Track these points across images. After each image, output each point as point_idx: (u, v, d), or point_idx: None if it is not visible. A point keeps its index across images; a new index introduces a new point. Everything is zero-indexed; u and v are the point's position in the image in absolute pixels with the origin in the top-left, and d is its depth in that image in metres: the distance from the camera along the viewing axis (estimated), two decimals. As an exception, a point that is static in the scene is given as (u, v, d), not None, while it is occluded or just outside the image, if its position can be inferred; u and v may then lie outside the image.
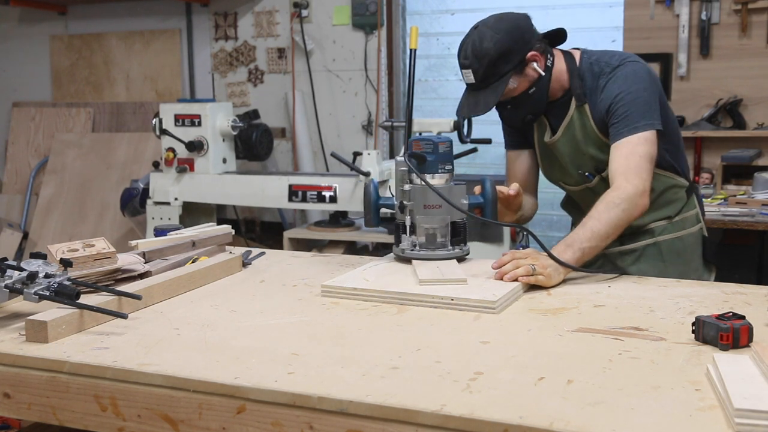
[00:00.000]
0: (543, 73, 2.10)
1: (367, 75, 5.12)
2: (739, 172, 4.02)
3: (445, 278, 1.77)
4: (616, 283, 1.90)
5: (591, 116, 2.12)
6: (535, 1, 4.72)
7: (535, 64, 2.08)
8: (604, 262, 2.19)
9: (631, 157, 2.01)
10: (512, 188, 2.07)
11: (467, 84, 2.10)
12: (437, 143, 1.97)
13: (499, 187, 2.05)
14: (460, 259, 1.99)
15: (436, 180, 1.96)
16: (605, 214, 1.94)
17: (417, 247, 1.99)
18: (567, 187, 2.31)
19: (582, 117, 2.14)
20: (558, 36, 2.17)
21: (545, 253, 1.87)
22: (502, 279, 1.79)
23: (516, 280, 1.78)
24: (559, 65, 2.15)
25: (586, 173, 2.19)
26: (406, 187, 1.97)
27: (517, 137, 2.35)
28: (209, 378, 1.28)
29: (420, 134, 2.05)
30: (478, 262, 2.00)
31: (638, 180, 1.98)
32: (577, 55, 2.17)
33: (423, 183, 1.93)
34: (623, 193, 1.96)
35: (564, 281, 1.88)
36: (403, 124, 4.07)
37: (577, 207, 2.36)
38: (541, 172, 2.36)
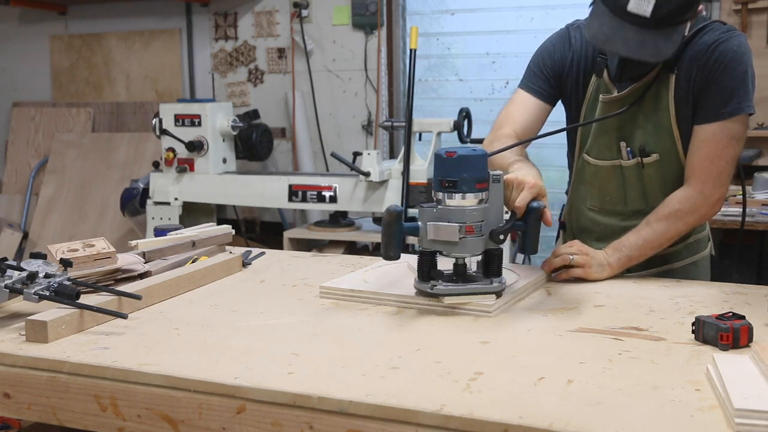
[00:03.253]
0: (685, 33, 1.82)
1: (367, 75, 5.12)
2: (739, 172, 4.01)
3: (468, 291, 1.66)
4: (616, 283, 1.90)
5: (673, 88, 1.86)
6: (536, 1, 4.72)
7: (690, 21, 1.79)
8: None
9: (720, 159, 1.84)
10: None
11: (628, 12, 1.69)
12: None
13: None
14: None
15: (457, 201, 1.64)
16: (663, 225, 1.86)
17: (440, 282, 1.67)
18: (594, 161, 2.01)
19: (660, 86, 1.88)
20: None
21: (599, 250, 1.89)
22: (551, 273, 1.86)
23: (554, 271, 1.87)
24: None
25: (628, 148, 1.94)
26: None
27: (547, 86, 2.03)
28: (209, 378, 1.28)
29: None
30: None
31: (716, 189, 1.86)
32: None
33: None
34: (691, 205, 1.85)
35: (564, 281, 1.89)
36: (403, 124, 4.07)
37: (584, 195, 2.09)
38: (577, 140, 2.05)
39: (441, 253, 1.68)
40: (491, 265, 1.68)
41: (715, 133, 1.84)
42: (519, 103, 2.05)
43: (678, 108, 1.88)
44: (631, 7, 1.68)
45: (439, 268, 1.68)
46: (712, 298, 1.74)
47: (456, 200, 1.63)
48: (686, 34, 1.84)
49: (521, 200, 1.65)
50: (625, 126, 1.94)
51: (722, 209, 3.42)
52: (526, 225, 1.67)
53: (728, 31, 1.86)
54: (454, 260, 1.70)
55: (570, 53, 2.00)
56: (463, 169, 1.61)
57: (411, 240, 1.82)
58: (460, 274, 1.70)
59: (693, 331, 1.44)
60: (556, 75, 2.02)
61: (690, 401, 1.16)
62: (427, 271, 1.67)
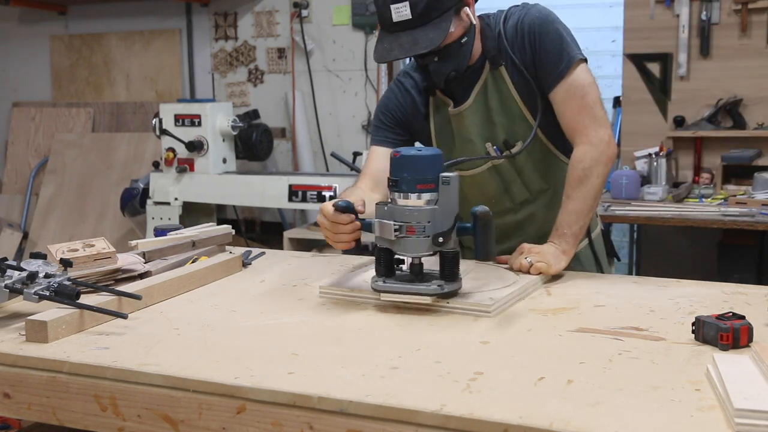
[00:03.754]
0: (474, 22, 1.92)
1: (367, 75, 5.12)
2: (739, 172, 4.02)
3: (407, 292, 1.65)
4: (616, 283, 1.90)
5: (509, 78, 1.96)
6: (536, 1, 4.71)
7: (468, 9, 1.89)
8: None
9: (584, 106, 1.91)
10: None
11: (396, 23, 1.82)
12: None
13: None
14: (449, 295, 1.66)
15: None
16: (581, 191, 1.91)
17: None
18: (465, 173, 2.04)
19: (497, 81, 1.98)
20: None
21: (546, 244, 1.92)
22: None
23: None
24: (479, 23, 1.97)
25: (494, 147, 2.02)
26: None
27: (394, 135, 2.10)
28: (209, 378, 1.28)
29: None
30: (480, 265, 1.99)
31: (600, 130, 1.92)
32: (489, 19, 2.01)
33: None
34: (588, 158, 1.91)
35: (564, 281, 1.89)
36: (403, 124, 4.07)
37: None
38: None
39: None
40: (444, 268, 1.67)
41: (567, 90, 1.92)
42: (372, 157, 2.13)
43: (521, 93, 1.97)
44: (395, 18, 1.82)
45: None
46: (712, 298, 1.74)
47: (406, 200, 1.64)
48: (499, 27, 1.96)
49: None
50: (484, 129, 2.02)
51: (722, 209, 3.48)
52: (474, 230, 1.63)
53: (523, 7, 1.99)
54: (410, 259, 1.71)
55: (399, 96, 2.11)
56: (404, 169, 1.63)
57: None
58: (415, 273, 1.70)
59: (693, 331, 1.44)
60: (400, 121, 2.10)
61: (690, 401, 1.16)
62: (379, 266, 1.70)
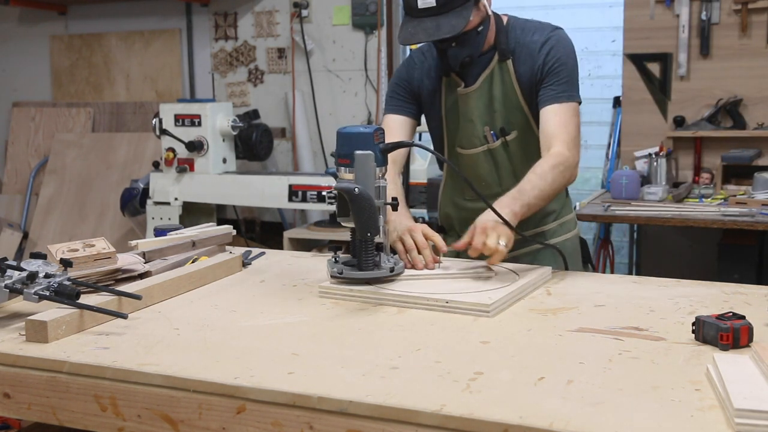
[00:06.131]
0: (489, 14, 2.11)
1: (367, 75, 5.12)
2: (739, 172, 4.02)
3: None
4: (616, 283, 1.90)
5: (514, 73, 2.13)
6: (536, 1, 4.71)
7: (485, 1, 2.07)
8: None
9: (570, 126, 2.06)
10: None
11: (421, 9, 1.98)
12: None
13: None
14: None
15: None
16: (549, 175, 1.98)
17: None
18: (463, 151, 2.22)
19: (503, 73, 2.15)
20: None
21: (500, 223, 1.86)
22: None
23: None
24: (492, 16, 2.15)
25: (492, 132, 2.18)
26: (383, 182, 1.84)
27: (408, 104, 2.25)
28: (209, 378, 1.28)
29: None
30: (480, 264, 1.99)
31: (576, 151, 2.07)
32: (504, 18, 2.18)
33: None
34: (564, 160, 2.02)
35: (564, 281, 1.89)
36: (403, 124, 4.06)
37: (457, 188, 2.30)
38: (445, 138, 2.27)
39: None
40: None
41: (558, 108, 2.08)
42: (390, 124, 2.25)
43: (522, 88, 2.14)
44: (420, 4, 1.99)
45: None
46: (712, 298, 1.74)
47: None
48: (506, 24, 2.14)
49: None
50: (485, 113, 2.18)
51: (722, 209, 3.48)
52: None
53: (553, 30, 2.14)
54: None
55: (415, 71, 2.26)
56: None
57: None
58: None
59: (693, 331, 1.44)
60: (412, 92, 2.27)
61: (690, 401, 1.16)
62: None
